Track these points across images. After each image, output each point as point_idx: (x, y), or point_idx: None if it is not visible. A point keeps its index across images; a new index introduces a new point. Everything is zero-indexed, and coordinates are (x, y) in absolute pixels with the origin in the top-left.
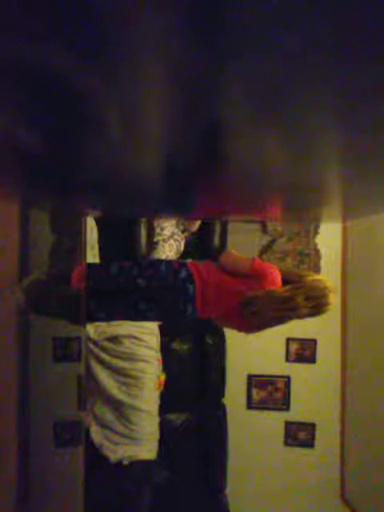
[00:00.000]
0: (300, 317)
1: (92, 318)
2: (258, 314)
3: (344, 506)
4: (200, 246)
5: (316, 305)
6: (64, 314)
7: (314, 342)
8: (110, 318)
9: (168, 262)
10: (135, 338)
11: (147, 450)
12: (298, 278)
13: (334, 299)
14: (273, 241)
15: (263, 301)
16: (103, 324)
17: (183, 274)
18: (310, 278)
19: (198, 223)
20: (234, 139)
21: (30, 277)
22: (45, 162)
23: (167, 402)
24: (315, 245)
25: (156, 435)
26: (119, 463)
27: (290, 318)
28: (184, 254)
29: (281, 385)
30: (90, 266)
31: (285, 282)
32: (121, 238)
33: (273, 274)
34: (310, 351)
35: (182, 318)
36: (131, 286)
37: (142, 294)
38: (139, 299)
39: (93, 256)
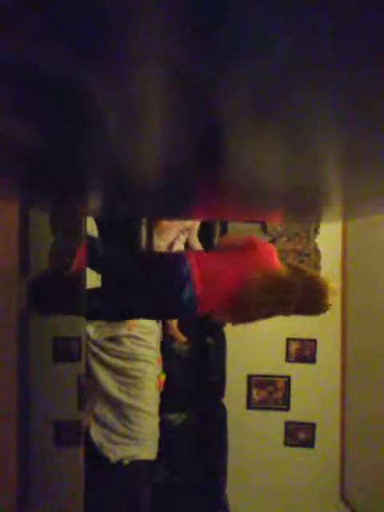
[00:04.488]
0: (296, 309)
1: (93, 317)
2: (253, 294)
3: (344, 506)
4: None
5: (313, 297)
6: (65, 306)
7: (314, 341)
8: (110, 317)
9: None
10: (135, 337)
11: (147, 449)
12: (301, 269)
13: (334, 300)
14: (273, 241)
15: (262, 281)
16: (103, 324)
17: (180, 260)
18: (311, 270)
19: (189, 222)
20: (234, 140)
21: (29, 276)
22: (45, 162)
23: (167, 402)
24: (315, 245)
25: (156, 435)
26: (119, 463)
27: (285, 307)
28: None
29: (281, 385)
30: (89, 239)
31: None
32: (121, 238)
33: (266, 246)
34: (310, 351)
35: (179, 302)
36: (126, 272)
37: (138, 282)
38: (136, 291)
39: None
